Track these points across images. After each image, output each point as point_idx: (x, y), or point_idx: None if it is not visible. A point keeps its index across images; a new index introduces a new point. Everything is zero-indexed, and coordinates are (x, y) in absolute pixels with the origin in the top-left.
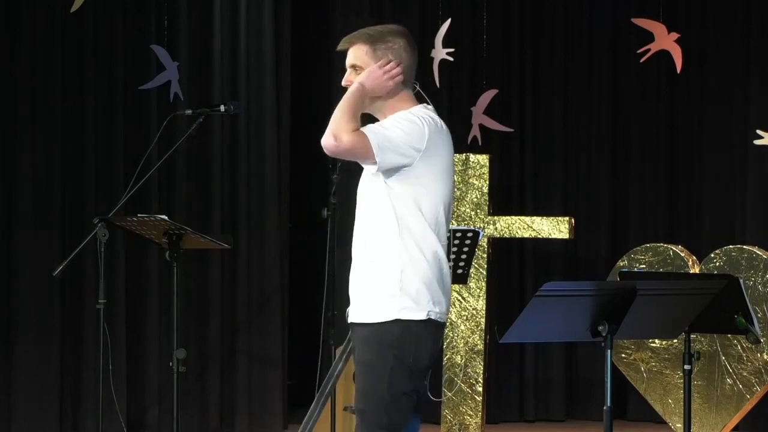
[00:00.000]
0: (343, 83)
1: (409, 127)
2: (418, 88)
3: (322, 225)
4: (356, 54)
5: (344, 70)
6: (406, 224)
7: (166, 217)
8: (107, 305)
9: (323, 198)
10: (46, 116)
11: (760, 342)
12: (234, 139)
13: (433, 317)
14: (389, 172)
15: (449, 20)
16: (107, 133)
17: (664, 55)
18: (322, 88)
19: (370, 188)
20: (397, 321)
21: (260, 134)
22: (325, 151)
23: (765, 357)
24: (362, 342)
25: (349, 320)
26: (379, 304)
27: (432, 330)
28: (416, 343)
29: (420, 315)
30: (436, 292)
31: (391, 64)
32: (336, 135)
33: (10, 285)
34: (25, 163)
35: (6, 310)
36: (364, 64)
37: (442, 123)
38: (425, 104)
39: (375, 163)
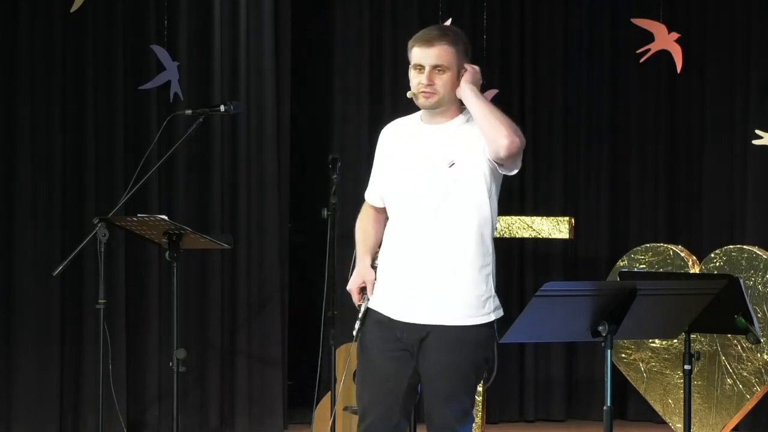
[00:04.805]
0: (425, 81)
1: None
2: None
3: (322, 225)
4: (442, 54)
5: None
6: (493, 227)
7: (166, 217)
8: (107, 305)
9: (323, 198)
10: (46, 116)
11: (760, 342)
12: (234, 139)
13: None
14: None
15: (449, 20)
16: (107, 133)
17: (664, 55)
18: (323, 88)
19: (456, 187)
20: (492, 322)
21: (260, 134)
22: (509, 150)
23: (765, 357)
24: (455, 344)
25: (430, 322)
26: (478, 306)
27: None
28: (494, 343)
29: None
30: None
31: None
32: (518, 134)
33: (11, 285)
34: (25, 163)
35: (6, 310)
36: (450, 65)
37: None
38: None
39: (518, 166)
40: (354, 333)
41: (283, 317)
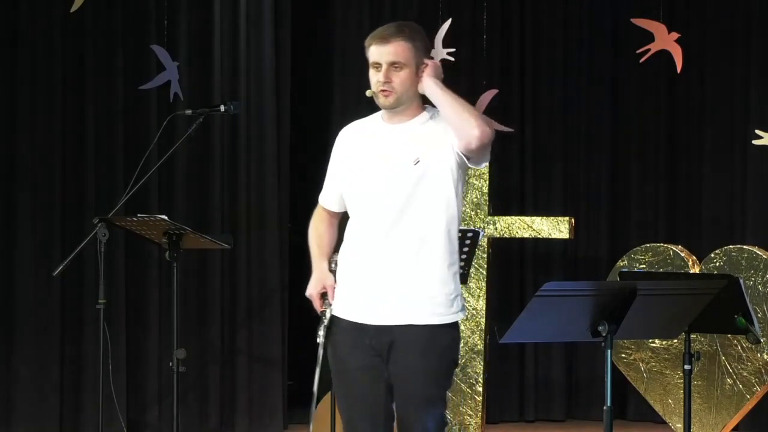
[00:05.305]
0: (382, 79)
1: None
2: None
3: None
4: (399, 51)
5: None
6: (458, 224)
7: (166, 217)
8: (107, 305)
9: None
10: (46, 116)
11: (760, 342)
12: (234, 139)
13: None
14: (467, 168)
15: (449, 20)
16: (107, 133)
17: (664, 55)
18: (322, 88)
19: (422, 185)
20: (457, 322)
21: (260, 134)
22: (481, 141)
23: (765, 357)
24: (425, 345)
25: (400, 322)
26: (447, 304)
27: None
28: (459, 344)
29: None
30: None
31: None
32: (488, 124)
33: (11, 285)
34: (25, 163)
35: (6, 310)
36: (407, 61)
37: None
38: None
39: (487, 159)
40: (318, 341)
41: (283, 317)
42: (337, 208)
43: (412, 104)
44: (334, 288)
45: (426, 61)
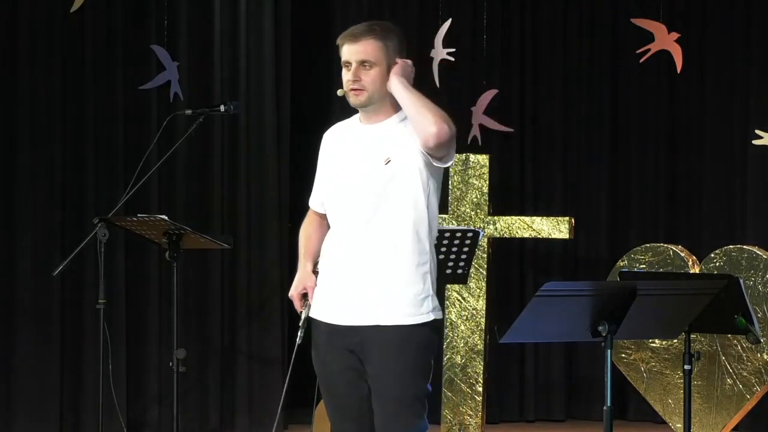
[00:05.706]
0: (351, 77)
1: None
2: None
3: None
4: (369, 49)
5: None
6: (432, 223)
7: (166, 217)
8: (107, 305)
9: None
10: (46, 116)
11: (760, 342)
12: (234, 139)
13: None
14: (437, 168)
15: (449, 20)
16: (107, 133)
17: (664, 55)
18: (322, 88)
19: (392, 185)
20: (432, 321)
21: (260, 134)
22: (439, 138)
23: (765, 357)
24: (396, 345)
25: (369, 323)
26: (416, 304)
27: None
28: (438, 343)
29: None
30: None
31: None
32: (447, 122)
33: (11, 285)
34: (25, 163)
35: (6, 310)
36: (377, 60)
37: None
38: None
39: (451, 157)
40: (297, 341)
41: (283, 317)
42: (324, 210)
43: (385, 104)
44: (315, 289)
45: (397, 60)
